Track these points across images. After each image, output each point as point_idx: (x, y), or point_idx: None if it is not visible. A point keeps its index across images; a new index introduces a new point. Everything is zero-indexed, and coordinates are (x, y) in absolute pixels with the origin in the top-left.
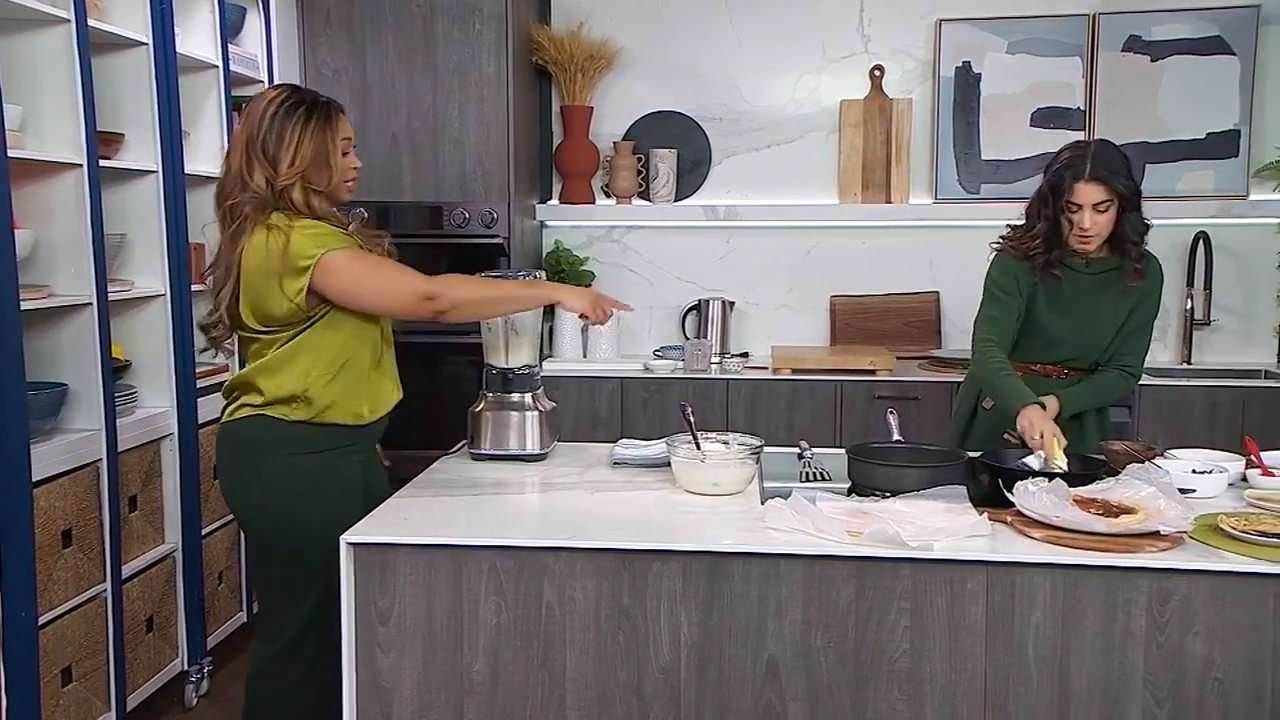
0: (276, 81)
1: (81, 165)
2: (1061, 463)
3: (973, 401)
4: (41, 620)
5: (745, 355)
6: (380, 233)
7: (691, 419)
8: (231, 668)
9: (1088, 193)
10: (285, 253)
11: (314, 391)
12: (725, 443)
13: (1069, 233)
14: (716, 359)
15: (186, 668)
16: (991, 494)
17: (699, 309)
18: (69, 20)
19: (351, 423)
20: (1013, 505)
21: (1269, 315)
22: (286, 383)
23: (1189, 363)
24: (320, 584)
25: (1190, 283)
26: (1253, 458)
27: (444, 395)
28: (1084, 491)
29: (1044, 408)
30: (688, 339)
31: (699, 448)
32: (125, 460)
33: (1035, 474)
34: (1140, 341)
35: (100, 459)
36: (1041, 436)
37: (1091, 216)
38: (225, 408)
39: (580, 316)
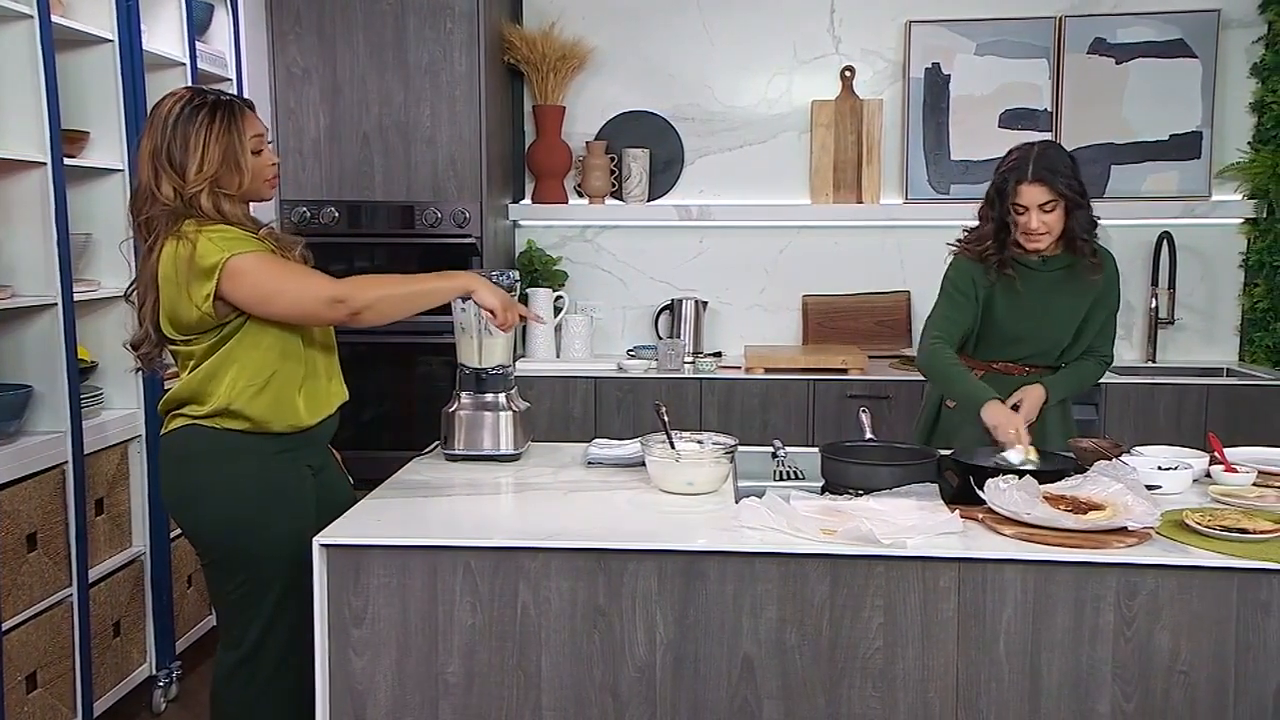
0: (245, 80)
1: (45, 164)
2: (1034, 455)
3: (936, 401)
4: (5, 626)
5: (718, 355)
6: (296, 238)
7: (666, 418)
8: (200, 672)
9: (1031, 194)
10: (191, 259)
11: (240, 405)
12: (699, 442)
13: (1017, 233)
14: (690, 359)
15: (155, 672)
16: (963, 491)
17: (672, 309)
18: (32, 16)
19: (289, 431)
20: (984, 502)
21: (1231, 314)
22: (215, 396)
23: (1154, 361)
24: (277, 588)
25: (1155, 282)
26: (1216, 454)
27: (417, 396)
28: (1053, 488)
29: (1003, 402)
30: (661, 339)
31: (673, 447)
32: (91, 463)
33: (1010, 470)
34: (1109, 331)
35: (66, 462)
36: (1016, 432)
37: (1038, 217)
38: (163, 423)
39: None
